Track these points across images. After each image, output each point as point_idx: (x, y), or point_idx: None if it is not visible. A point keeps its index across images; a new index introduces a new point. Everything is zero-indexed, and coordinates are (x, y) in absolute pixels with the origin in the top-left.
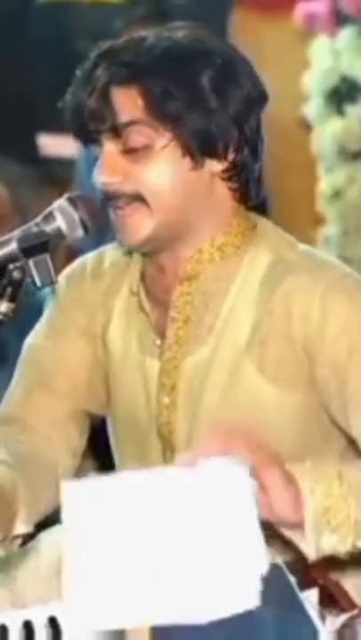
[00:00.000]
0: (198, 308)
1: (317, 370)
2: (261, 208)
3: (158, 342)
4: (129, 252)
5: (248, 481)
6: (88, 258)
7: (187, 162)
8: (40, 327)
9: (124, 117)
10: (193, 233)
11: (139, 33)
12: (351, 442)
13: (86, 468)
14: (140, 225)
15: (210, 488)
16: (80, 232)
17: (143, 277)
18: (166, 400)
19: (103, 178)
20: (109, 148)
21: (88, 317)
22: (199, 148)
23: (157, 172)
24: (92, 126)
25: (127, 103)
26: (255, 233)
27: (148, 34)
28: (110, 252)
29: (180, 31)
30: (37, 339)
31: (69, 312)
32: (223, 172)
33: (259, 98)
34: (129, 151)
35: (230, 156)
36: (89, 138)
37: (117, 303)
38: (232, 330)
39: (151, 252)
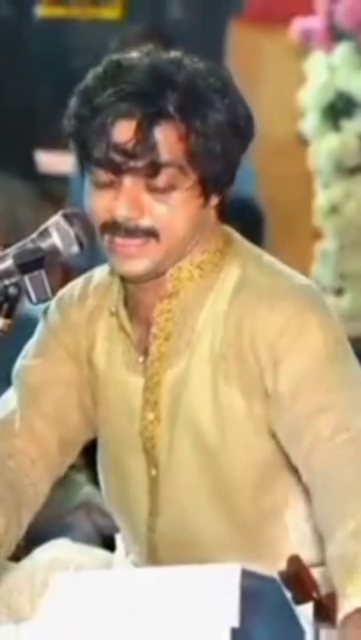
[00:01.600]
0: (178, 323)
1: (264, 376)
2: (257, 226)
3: (141, 359)
4: (112, 272)
5: (236, 588)
6: (78, 282)
7: (200, 201)
8: (30, 348)
9: (165, 157)
10: (179, 255)
11: (145, 51)
12: None
13: (80, 480)
14: (144, 258)
15: (191, 595)
16: (75, 248)
17: (125, 297)
18: (151, 415)
19: (125, 212)
20: (133, 182)
21: (74, 341)
22: (214, 189)
23: (176, 212)
24: (118, 159)
25: (169, 143)
26: (231, 250)
27: (160, 58)
28: (97, 274)
29: (195, 63)
30: (28, 360)
31: (57, 335)
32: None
33: (252, 136)
34: (154, 190)
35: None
36: (106, 167)
37: (100, 325)
38: (204, 343)
39: None
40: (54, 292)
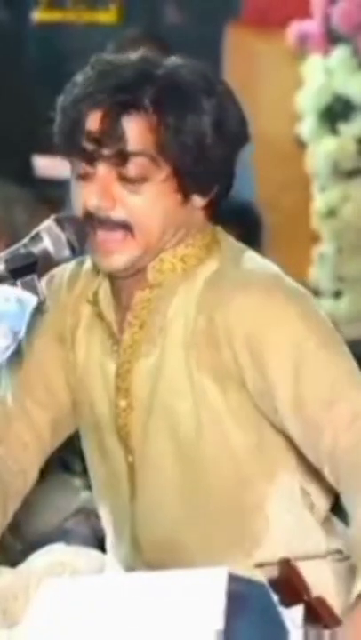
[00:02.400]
0: (152, 312)
1: (244, 372)
2: (255, 230)
3: (115, 347)
4: None
5: (222, 591)
6: (70, 264)
7: (177, 197)
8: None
9: (133, 147)
10: (160, 249)
11: (134, 52)
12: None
13: (79, 485)
14: (122, 253)
15: (177, 598)
16: (67, 252)
17: (111, 284)
18: (123, 403)
19: (96, 202)
20: (105, 172)
21: (61, 321)
22: (193, 186)
23: (150, 205)
24: (90, 147)
25: (139, 133)
26: (216, 246)
27: (147, 56)
28: (88, 259)
29: (181, 62)
30: (24, 333)
31: (47, 315)
32: (204, 205)
33: (244, 140)
34: (125, 179)
35: (213, 193)
36: (80, 156)
37: (84, 311)
38: (176, 331)
39: None
40: None
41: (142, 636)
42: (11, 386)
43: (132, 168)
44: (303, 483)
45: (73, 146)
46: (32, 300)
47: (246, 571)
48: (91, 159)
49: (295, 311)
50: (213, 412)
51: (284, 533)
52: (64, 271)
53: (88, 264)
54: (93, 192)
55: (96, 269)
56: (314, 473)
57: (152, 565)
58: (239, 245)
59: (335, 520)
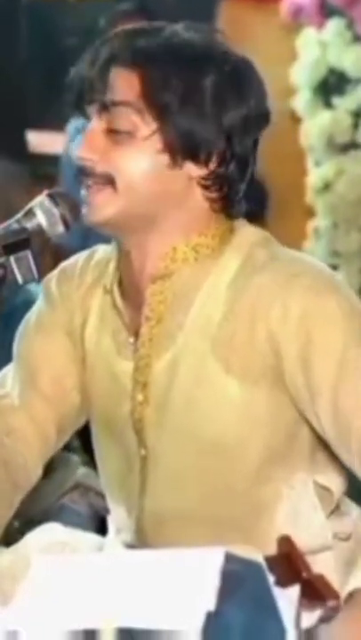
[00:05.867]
0: (171, 306)
1: (284, 364)
2: (259, 209)
3: (132, 340)
4: (112, 250)
5: (218, 567)
6: (81, 255)
7: (165, 158)
8: (30, 321)
9: (116, 96)
10: (163, 230)
11: (158, 23)
12: (320, 442)
13: (76, 461)
14: (104, 205)
15: (171, 577)
16: (60, 228)
17: (120, 276)
18: (140, 397)
19: (81, 152)
20: (95, 124)
21: (70, 316)
22: (180, 148)
23: (133, 160)
24: (85, 97)
25: (124, 84)
26: (234, 237)
27: (167, 26)
28: (100, 250)
29: (200, 32)
30: (27, 334)
31: (55, 309)
32: (202, 178)
33: (260, 118)
34: (112, 132)
35: (212, 166)
36: (81, 110)
37: (94, 302)
38: (199, 329)
39: (122, 245)
40: (44, 274)
41: (132, 613)
42: (18, 381)
43: (118, 120)
44: (317, 473)
45: (74, 98)
46: None
47: (245, 550)
48: (78, 105)
49: (341, 311)
50: (232, 409)
51: (288, 532)
52: (75, 264)
53: (98, 255)
54: (80, 143)
55: (106, 260)
56: (330, 457)
57: None
58: (264, 236)
59: (347, 501)
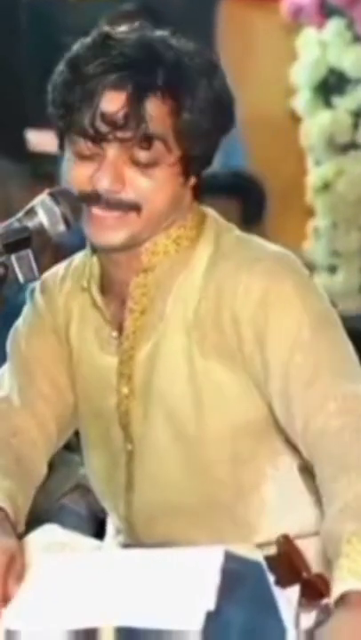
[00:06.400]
0: (154, 298)
1: (244, 347)
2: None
3: (115, 334)
4: (87, 252)
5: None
6: (61, 264)
7: (181, 179)
8: (21, 326)
9: (154, 129)
10: (155, 230)
11: (133, 26)
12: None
13: (76, 461)
14: (121, 230)
15: (172, 576)
16: (62, 227)
17: (100, 273)
18: (125, 390)
19: (107, 184)
20: (116, 154)
21: (54, 317)
22: (196, 169)
23: (160, 187)
24: (104, 128)
25: (159, 116)
26: (205, 226)
27: (150, 35)
28: (78, 256)
29: (183, 42)
30: (20, 339)
31: (42, 317)
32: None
33: (233, 120)
34: (137, 163)
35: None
36: (88, 136)
37: (75, 304)
38: (177, 317)
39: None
40: (45, 272)
41: (131, 612)
42: (16, 384)
43: (148, 152)
44: (302, 458)
45: (83, 125)
46: None
47: (245, 549)
48: (102, 140)
49: (298, 294)
50: (215, 393)
51: (279, 516)
52: (56, 272)
53: (75, 262)
54: (104, 174)
55: (84, 263)
56: None
57: None
58: (226, 223)
59: None
